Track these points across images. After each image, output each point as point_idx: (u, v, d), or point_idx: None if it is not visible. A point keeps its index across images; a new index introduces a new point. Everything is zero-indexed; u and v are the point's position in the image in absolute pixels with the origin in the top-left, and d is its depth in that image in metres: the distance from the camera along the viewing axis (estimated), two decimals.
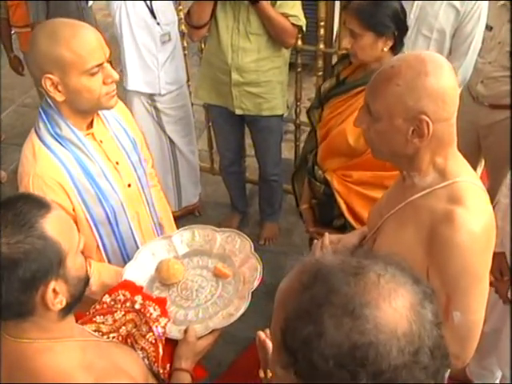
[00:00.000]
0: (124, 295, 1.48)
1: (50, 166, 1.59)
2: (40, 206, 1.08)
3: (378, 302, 0.75)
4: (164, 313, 1.48)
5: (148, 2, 2.97)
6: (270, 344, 1.27)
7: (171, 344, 1.46)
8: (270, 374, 1.25)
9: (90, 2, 3.52)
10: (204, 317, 1.53)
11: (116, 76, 1.59)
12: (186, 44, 3.46)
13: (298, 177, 2.56)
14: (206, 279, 1.65)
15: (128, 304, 1.47)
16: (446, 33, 2.56)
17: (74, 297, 1.13)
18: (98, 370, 1.13)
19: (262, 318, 2.91)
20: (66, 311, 1.12)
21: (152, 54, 3.09)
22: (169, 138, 3.39)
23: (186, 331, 1.46)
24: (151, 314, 1.46)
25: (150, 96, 3.21)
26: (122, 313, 1.45)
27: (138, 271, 1.66)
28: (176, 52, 3.19)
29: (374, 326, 0.73)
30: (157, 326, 1.43)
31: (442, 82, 1.24)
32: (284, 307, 0.81)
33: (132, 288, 1.53)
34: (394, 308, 0.75)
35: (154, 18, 3.00)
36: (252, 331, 2.81)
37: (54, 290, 1.06)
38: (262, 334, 1.31)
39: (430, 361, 0.75)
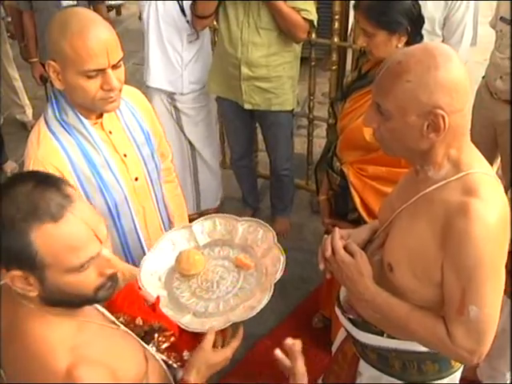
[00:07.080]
0: (125, 319, 1.40)
1: (52, 151, 1.58)
2: (52, 214, 1.02)
3: None
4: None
5: None
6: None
7: (188, 333, 1.44)
8: None
9: (64, 3, 3.37)
10: (225, 309, 1.49)
11: (116, 85, 1.53)
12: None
13: (320, 167, 2.54)
14: (227, 270, 1.61)
15: (131, 325, 1.40)
16: (436, 21, 2.55)
17: (51, 300, 1.11)
18: (79, 354, 1.10)
19: (272, 314, 2.94)
20: (48, 302, 1.11)
21: (177, 52, 3.06)
22: (188, 141, 3.36)
23: (202, 341, 1.39)
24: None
25: (171, 94, 3.18)
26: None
27: (158, 261, 1.63)
28: (202, 51, 3.13)
29: None
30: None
31: (453, 73, 1.21)
32: None
33: (131, 307, 1.44)
34: None
35: (184, 15, 2.95)
36: (261, 328, 2.85)
37: (26, 278, 1.05)
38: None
39: None
